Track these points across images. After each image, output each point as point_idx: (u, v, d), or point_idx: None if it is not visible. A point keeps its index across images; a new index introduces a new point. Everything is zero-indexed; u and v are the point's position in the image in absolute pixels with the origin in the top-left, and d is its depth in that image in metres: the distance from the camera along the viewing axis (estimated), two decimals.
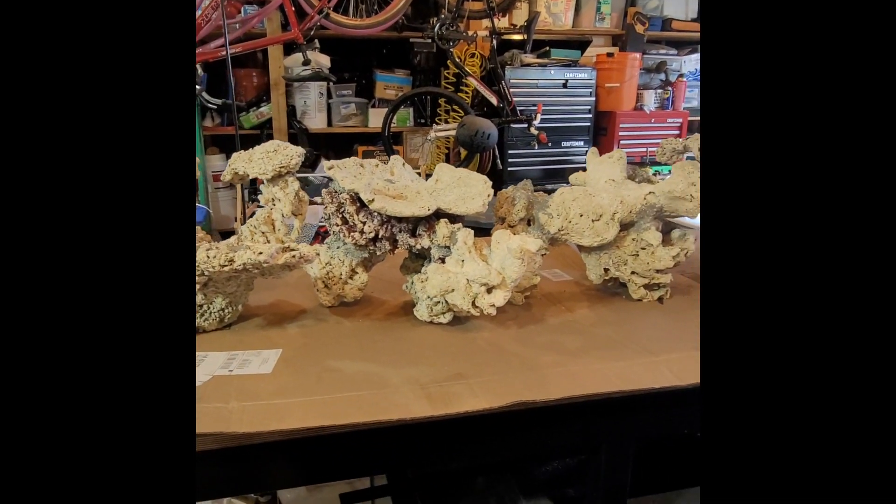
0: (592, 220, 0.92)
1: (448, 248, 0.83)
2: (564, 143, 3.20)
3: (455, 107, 3.07)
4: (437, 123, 3.15)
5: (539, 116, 2.89)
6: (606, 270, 0.97)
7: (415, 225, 0.85)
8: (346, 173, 0.86)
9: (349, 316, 0.91)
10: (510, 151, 3.08)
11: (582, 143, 3.23)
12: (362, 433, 0.63)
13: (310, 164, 3.03)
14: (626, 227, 0.96)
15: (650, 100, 3.29)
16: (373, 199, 0.81)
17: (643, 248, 0.94)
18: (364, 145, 3.28)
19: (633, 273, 0.95)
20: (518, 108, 2.94)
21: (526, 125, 2.85)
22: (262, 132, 3.03)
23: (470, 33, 2.76)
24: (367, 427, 0.62)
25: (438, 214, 0.86)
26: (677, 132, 3.30)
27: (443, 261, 0.83)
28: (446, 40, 2.72)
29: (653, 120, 3.24)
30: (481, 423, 0.65)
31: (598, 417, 0.71)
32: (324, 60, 2.71)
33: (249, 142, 1.09)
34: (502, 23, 3.03)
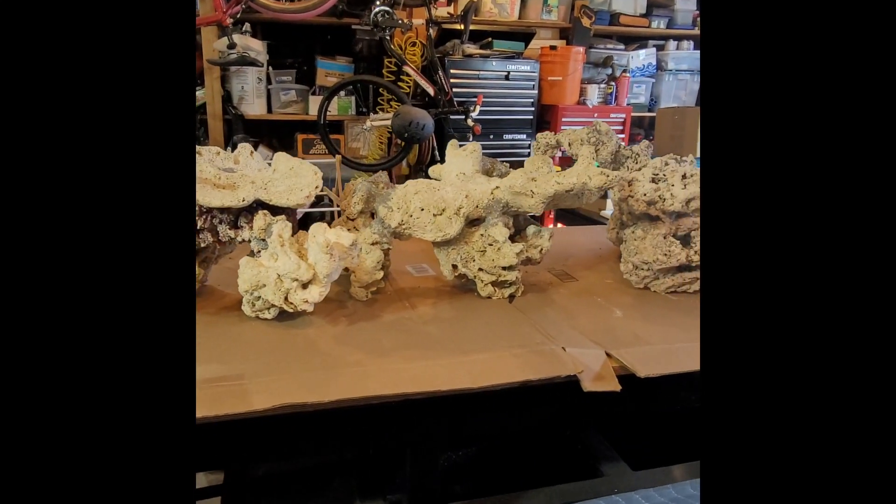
0: (434, 215, 0.89)
1: (265, 240, 0.79)
2: (507, 136, 3.18)
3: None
4: (377, 112, 3.11)
5: (478, 108, 2.86)
6: (455, 267, 0.94)
7: (236, 216, 0.82)
8: None
9: None
10: None
11: (525, 137, 3.21)
12: None
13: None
14: (476, 222, 0.94)
15: (593, 94, 3.28)
16: None
17: (490, 245, 0.92)
18: (304, 133, 3.22)
19: (480, 270, 0.93)
20: (458, 100, 2.91)
21: (463, 116, 2.82)
22: (196, 117, 2.96)
23: (405, 21, 2.71)
24: None
25: (265, 206, 0.83)
26: (620, 127, 3.30)
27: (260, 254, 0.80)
28: (381, 27, 2.67)
29: (596, 115, 3.23)
30: (251, 426, 0.62)
31: (393, 420, 0.68)
32: (254, 45, 2.64)
33: None
34: (441, 12, 2.99)
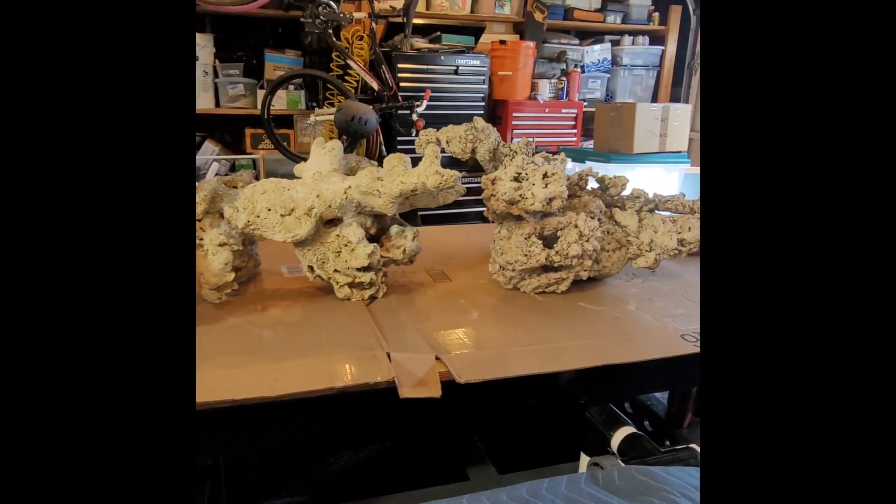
0: (282, 215, 0.87)
1: None
2: None
3: None
4: (324, 107, 3.07)
5: (425, 103, 2.83)
6: (312, 268, 0.92)
7: None
8: None
9: None
10: (399, 138, 3.02)
11: None
12: None
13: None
14: (334, 222, 0.92)
15: (545, 89, 3.26)
16: None
17: (345, 245, 0.90)
18: (254, 128, 3.18)
19: (335, 271, 0.91)
20: (405, 94, 2.88)
21: (408, 111, 2.79)
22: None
23: (347, 14, 2.67)
24: None
25: None
26: (572, 122, 3.28)
27: None
28: (324, 21, 2.63)
29: (547, 110, 3.21)
30: None
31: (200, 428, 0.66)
32: None
33: None
34: (385, 5, 2.96)
